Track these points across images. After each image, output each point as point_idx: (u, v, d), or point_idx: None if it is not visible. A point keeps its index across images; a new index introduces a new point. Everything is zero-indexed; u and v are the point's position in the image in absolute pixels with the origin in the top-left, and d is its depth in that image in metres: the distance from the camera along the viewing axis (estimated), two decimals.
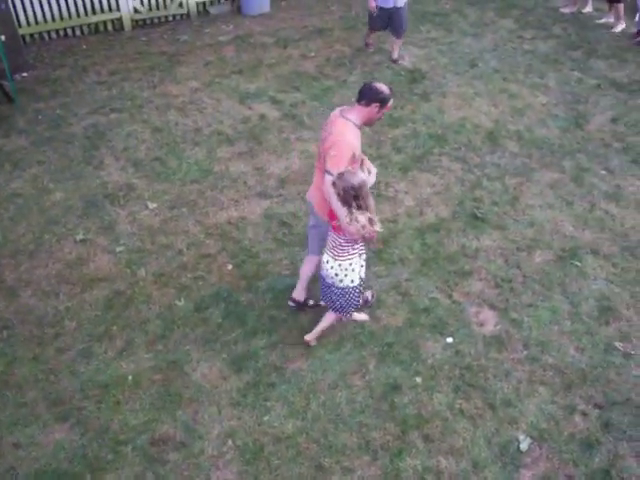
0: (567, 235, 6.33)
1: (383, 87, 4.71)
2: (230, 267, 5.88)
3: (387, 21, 9.12)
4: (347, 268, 4.65)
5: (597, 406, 4.81)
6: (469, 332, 5.32)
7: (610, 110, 8.28)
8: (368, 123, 4.82)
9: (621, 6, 10.29)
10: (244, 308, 5.46)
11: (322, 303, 5.14)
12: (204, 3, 11.08)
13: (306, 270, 5.34)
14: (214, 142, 7.56)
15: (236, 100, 8.41)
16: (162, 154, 7.34)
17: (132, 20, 10.48)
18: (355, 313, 5.21)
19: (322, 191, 4.68)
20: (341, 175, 4.35)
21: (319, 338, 5.20)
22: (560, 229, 6.40)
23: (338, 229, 4.57)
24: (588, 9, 11.02)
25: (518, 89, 8.71)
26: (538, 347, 5.23)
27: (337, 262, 4.65)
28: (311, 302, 5.51)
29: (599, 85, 8.86)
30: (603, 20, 10.65)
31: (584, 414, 4.73)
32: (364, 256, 4.76)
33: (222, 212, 6.51)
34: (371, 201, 4.43)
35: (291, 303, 5.51)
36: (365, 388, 4.85)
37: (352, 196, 4.31)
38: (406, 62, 9.36)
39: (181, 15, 10.90)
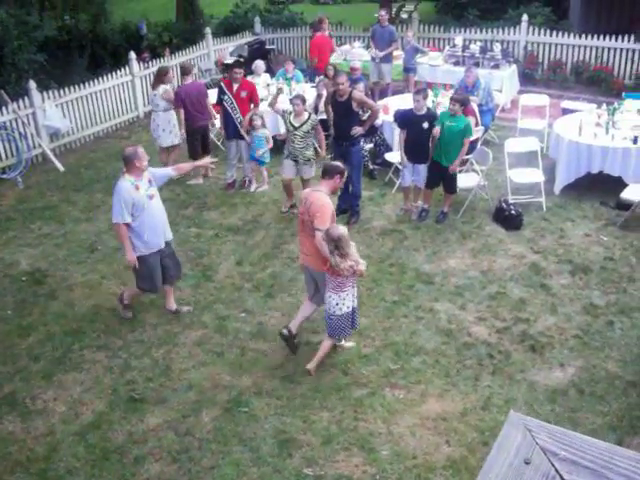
0: (227, 385, 6.83)
1: (339, 163, 7.32)
2: None
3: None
4: (345, 298, 6.69)
5: None
6: None
7: (233, 255, 9.21)
8: (333, 191, 7.38)
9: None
10: None
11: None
12: None
13: (305, 310, 7.31)
14: None
15: None
16: None
17: None
18: (344, 342, 7.27)
19: (315, 251, 6.80)
20: (327, 231, 6.46)
21: (318, 366, 6.93)
22: (218, 382, 6.89)
23: (333, 272, 6.57)
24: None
25: None
26: None
27: (337, 294, 6.68)
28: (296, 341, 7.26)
29: (217, 234, 9.83)
30: (193, 182, 11.79)
31: None
32: (355, 289, 6.83)
33: None
34: (352, 248, 6.53)
35: (285, 331, 7.13)
36: None
37: (335, 246, 6.36)
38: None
39: None
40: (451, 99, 9.56)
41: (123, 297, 8.03)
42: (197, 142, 11.43)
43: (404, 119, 9.83)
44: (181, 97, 11.19)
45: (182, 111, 11.21)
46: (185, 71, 11.55)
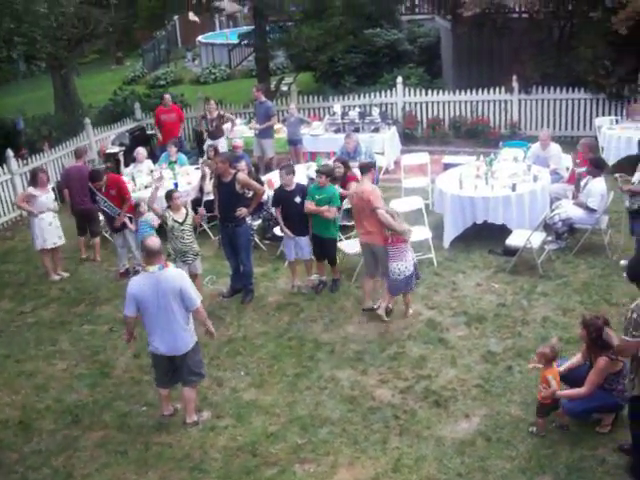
0: None
1: (369, 160, 10.86)
2: None
3: None
4: (407, 261, 8.91)
5: None
6: None
7: (130, 348, 9.14)
8: (373, 181, 9.78)
9: (96, 241, 12.15)
10: None
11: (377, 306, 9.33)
12: None
13: (369, 285, 9.52)
14: None
15: None
16: None
17: None
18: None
19: (377, 229, 8.99)
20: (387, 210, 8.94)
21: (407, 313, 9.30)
22: None
23: (395, 240, 8.86)
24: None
25: (35, 365, 9.10)
26: None
27: (401, 261, 8.88)
28: (375, 306, 9.35)
29: (112, 329, 9.78)
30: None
31: None
32: (412, 251, 9.19)
33: None
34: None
35: (365, 311, 9.44)
36: None
37: (394, 217, 8.83)
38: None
39: None
40: (317, 172, 9.94)
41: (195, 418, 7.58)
42: (83, 223, 12.26)
43: (276, 197, 10.17)
44: (65, 179, 12.35)
45: (66, 192, 12.17)
46: (77, 154, 12.72)
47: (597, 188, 10.42)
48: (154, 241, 7.14)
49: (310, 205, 9.72)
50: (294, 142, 15.07)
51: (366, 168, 9.39)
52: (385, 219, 8.78)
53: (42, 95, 24.02)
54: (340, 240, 10.60)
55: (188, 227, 9.59)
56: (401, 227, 8.80)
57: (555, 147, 12.44)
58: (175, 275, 7.06)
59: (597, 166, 10.71)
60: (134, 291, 7.10)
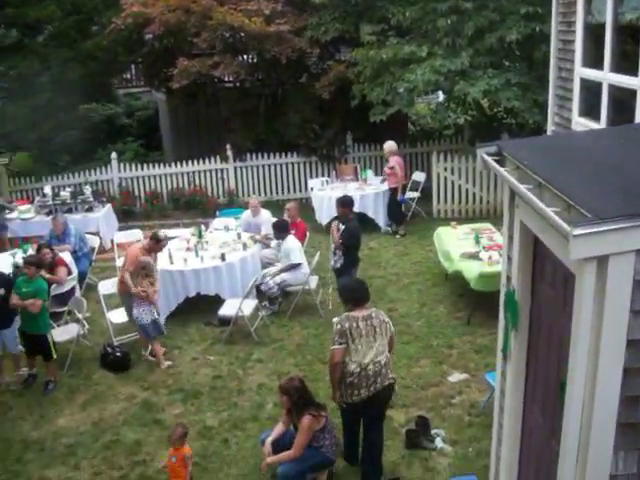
0: None
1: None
2: None
3: None
4: (145, 311, 9.69)
5: None
6: None
7: None
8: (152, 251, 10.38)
9: None
10: None
11: None
12: None
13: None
14: None
15: None
16: None
17: None
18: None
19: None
20: (140, 261, 9.78)
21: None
22: None
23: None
24: None
25: None
26: None
27: (141, 308, 9.67)
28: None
29: None
30: None
31: None
32: (152, 306, 9.79)
33: None
34: (155, 273, 10.09)
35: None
36: None
37: (142, 268, 9.71)
38: None
39: None
40: (24, 262, 9.56)
41: None
42: None
43: None
44: None
45: None
46: None
47: (292, 245, 11.15)
48: None
49: (14, 299, 9.25)
50: None
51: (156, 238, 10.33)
52: (126, 280, 9.84)
53: None
54: (53, 328, 10.21)
55: None
56: (135, 290, 9.63)
57: (265, 213, 13.04)
58: None
59: (281, 228, 11.39)
60: None
